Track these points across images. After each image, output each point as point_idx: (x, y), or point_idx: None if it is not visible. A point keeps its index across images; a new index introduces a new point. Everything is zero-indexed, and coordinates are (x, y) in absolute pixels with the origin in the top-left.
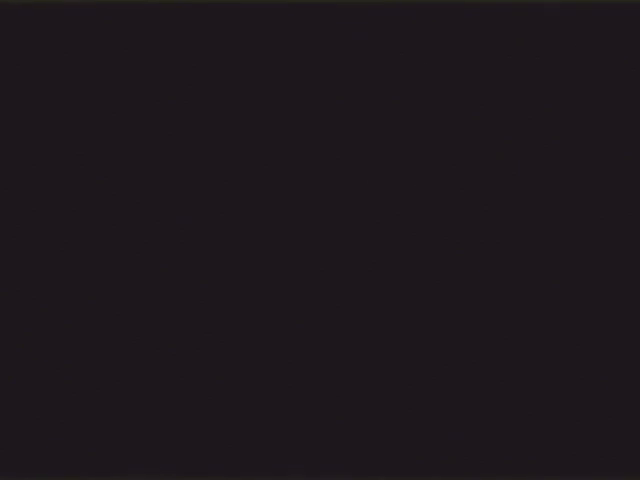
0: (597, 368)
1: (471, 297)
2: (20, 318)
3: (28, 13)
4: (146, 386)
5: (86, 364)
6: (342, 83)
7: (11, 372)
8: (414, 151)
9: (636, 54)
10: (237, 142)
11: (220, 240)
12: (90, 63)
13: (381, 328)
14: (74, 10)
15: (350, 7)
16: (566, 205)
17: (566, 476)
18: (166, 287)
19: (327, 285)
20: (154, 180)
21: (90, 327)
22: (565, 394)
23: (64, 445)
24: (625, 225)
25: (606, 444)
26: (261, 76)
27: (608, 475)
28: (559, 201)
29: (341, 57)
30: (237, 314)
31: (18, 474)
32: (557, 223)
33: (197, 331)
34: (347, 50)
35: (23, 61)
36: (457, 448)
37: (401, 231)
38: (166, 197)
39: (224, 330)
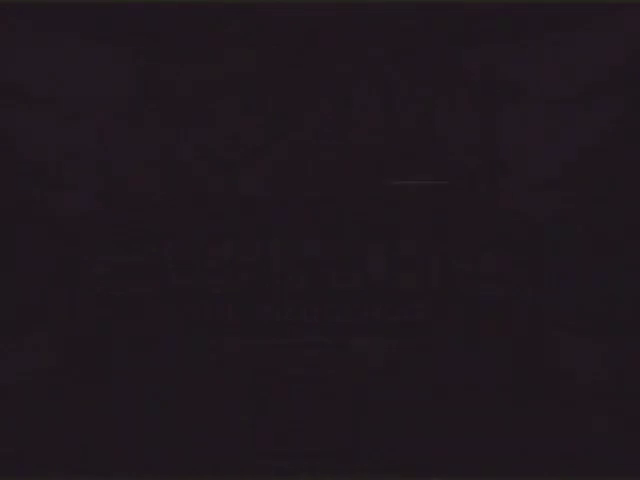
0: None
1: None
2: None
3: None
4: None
5: (84, 364)
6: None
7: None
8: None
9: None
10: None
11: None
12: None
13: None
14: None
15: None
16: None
17: (567, 476)
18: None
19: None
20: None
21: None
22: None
23: (63, 445)
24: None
25: (606, 444)
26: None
27: (608, 475)
28: None
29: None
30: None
31: (18, 474)
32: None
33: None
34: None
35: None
36: (457, 448)
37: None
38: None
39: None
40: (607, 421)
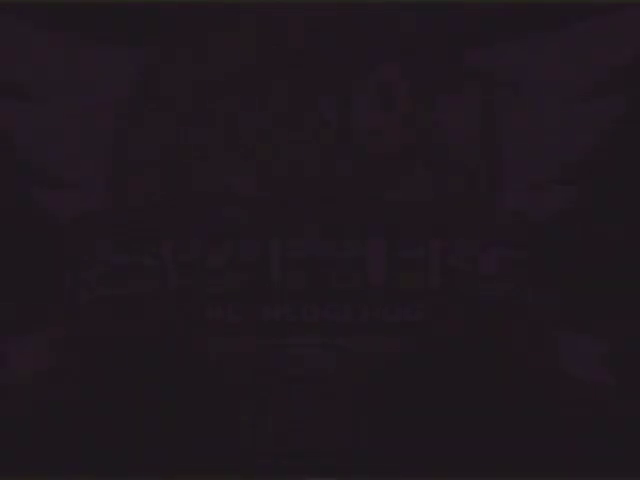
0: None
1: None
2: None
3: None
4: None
5: (80, 363)
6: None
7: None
8: None
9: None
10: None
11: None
12: None
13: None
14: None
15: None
16: None
17: (567, 476)
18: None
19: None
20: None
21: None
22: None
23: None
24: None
25: (606, 444)
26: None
27: (608, 475)
28: None
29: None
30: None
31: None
32: None
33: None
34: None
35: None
36: (457, 449)
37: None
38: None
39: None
40: (607, 421)
